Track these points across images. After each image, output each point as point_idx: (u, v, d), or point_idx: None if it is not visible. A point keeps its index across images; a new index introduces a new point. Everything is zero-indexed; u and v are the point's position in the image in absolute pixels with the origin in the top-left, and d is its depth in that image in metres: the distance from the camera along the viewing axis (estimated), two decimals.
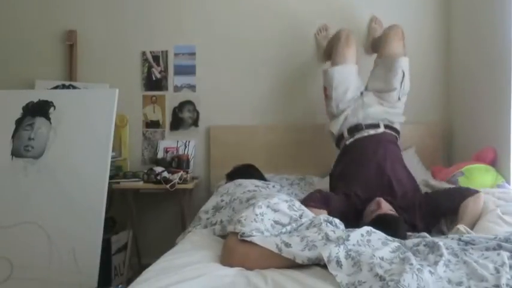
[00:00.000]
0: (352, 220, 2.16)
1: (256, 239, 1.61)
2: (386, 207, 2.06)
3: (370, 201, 2.16)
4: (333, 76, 2.74)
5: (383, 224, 1.86)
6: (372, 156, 2.42)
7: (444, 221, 2.20)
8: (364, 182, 2.33)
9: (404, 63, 2.70)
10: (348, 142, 2.61)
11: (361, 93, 2.75)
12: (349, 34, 2.81)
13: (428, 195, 2.30)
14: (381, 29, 3.11)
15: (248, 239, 1.61)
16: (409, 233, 1.98)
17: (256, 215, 1.73)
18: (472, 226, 2.00)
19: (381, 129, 2.59)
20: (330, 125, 2.79)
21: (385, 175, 2.34)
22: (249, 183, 2.43)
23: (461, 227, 1.91)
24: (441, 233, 2.11)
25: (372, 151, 2.45)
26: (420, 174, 2.76)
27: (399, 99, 2.70)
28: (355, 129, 2.61)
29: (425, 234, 1.93)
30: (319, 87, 3.10)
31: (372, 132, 2.57)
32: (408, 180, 2.41)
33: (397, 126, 2.70)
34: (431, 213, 2.19)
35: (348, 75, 2.75)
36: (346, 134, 2.64)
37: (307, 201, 2.12)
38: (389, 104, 2.70)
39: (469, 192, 2.14)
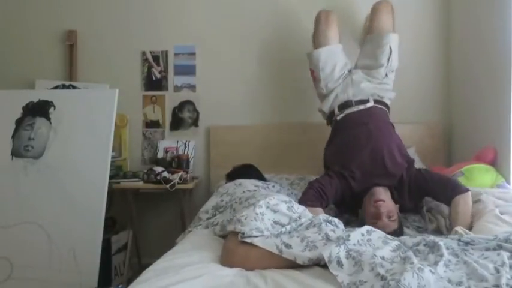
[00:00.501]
0: (349, 202, 2.25)
1: (257, 240, 1.61)
2: (385, 218, 2.05)
3: (366, 183, 2.20)
4: (319, 58, 2.76)
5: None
6: (365, 140, 2.38)
7: (444, 222, 2.21)
8: (359, 165, 2.30)
9: (392, 39, 2.72)
10: (338, 118, 2.62)
11: (350, 71, 2.77)
12: (329, 14, 2.82)
13: (421, 173, 2.31)
14: None
15: (248, 240, 1.61)
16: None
17: (257, 214, 1.74)
18: (467, 225, 2.02)
19: (370, 104, 2.59)
20: (321, 105, 2.80)
21: (381, 158, 2.31)
22: (249, 184, 2.44)
23: (459, 229, 1.91)
24: (440, 233, 2.12)
25: (365, 135, 2.40)
26: None
27: (386, 75, 2.71)
28: (345, 105, 2.63)
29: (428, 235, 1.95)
30: None
31: (361, 107, 2.57)
32: (401, 157, 2.37)
33: (386, 101, 2.69)
34: (418, 192, 2.25)
35: (333, 54, 2.77)
36: (336, 111, 2.66)
37: (303, 200, 2.14)
38: (377, 80, 2.70)
39: (460, 190, 2.17)
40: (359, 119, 2.52)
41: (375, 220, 2.04)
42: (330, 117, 2.74)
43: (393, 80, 2.79)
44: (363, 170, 2.29)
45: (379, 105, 2.61)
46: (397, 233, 2.00)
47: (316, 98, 3.08)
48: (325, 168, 2.58)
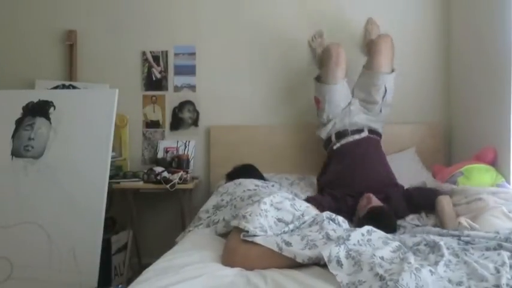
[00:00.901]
0: (345, 212, 2.33)
1: (258, 238, 1.61)
2: (376, 201, 2.24)
3: (357, 201, 2.34)
4: (325, 94, 2.86)
5: (376, 217, 2.08)
6: (359, 170, 2.58)
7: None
8: (351, 192, 2.47)
9: (388, 80, 2.84)
10: (335, 147, 2.79)
11: (349, 102, 2.88)
12: (340, 52, 2.85)
13: (408, 191, 2.49)
14: (377, 29, 3.13)
15: (250, 239, 1.62)
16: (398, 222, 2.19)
17: (262, 210, 1.75)
18: (453, 218, 2.16)
19: (365, 134, 2.78)
20: (319, 131, 2.95)
21: (372, 185, 2.47)
22: (249, 183, 2.44)
23: (463, 220, 1.94)
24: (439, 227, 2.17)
25: (359, 166, 2.60)
26: (421, 175, 2.84)
27: (381, 111, 2.86)
28: (342, 134, 2.80)
29: (429, 228, 2.04)
30: None
31: (356, 137, 2.77)
32: (390, 182, 2.59)
33: (379, 130, 2.86)
34: (408, 207, 2.39)
35: (340, 92, 2.86)
36: (333, 139, 2.83)
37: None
38: (372, 114, 2.85)
39: (440, 193, 2.37)
40: (354, 149, 2.71)
41: (366, 205, 2.23)
42: (326, 143, 2.89)
43: (388, 113, 2.91)
44: (356, 195, 2.41)
45: (372, 135, 2.80)
46: (393, 219, 2.17)
47: None
48: (319, 193, 2.71)
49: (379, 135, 2.85)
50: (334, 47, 2.87)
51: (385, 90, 2.82)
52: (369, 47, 3.03)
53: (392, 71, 2.87)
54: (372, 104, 2.84)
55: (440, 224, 2.21)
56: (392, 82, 2.86)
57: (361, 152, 2.67)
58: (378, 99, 2.82)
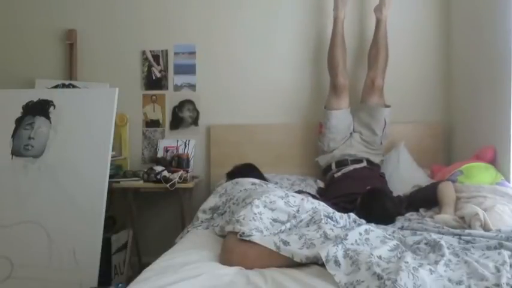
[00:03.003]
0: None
1: (255, 238, 1.61)
2: None
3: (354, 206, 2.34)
4: (327, 120, 2.96)
5: (372, 196, 2.20)
6: (359, 187, 2.56)
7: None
8: (350, 198, 2.48)
9: (386, 113, 2.96)
10: (336, 175, 2.87)
11: (351, 134, 2.99)
12: (345, 86, 2.97)
13: (409, 199, 2.49)
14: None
15: (247, 238, 1.61)
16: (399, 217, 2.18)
17: (255, 213, 1.74)
18: (454, 200, 2.23)
19: (364, 164, 2.88)
20: (318, 158, 3.03)
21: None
22: (246, 182, 2.43)
23: (480, 213, 1.95)
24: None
25: (361, 184, 2.58)
26: (412, 171, 2.89)
27: (381, 143, 2.99)
28: (341, 163, 2.90)
29: (428, 222, 2.01)
30: (320, 87, 3.14)
31: (356, 166, 2.85)
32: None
33: (378, 163, 2.95)
34: (410, 207, 2.41)
35: (341, 120, 2.97)
36: (333, 167, 2.91)
37: None
38: (372, 147, 2.96)
39: (438, 182, 2.41)
40: (354, 175, 2.79)
41: None
42: (326, 169, 2.98)
43: (385, 145, 3.03)
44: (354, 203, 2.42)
45: (370, 166, 2.89)
46: (388, 200, 2.23)
47: (318, 98, 3.16)
48: None
49: (377, 166, 2.93)
50: (341, 79, 2.96)
51: (385, 123, 2.93)
52: (368, 57, 3.08)
53: (387, 106, 2.96)
54: (373, 138, 2.95)
55: (440, 208, 2.20)
56: (389, 116, 2.96)
57: (362, 176, 2.74)
58: (378, 132, 2.94)
